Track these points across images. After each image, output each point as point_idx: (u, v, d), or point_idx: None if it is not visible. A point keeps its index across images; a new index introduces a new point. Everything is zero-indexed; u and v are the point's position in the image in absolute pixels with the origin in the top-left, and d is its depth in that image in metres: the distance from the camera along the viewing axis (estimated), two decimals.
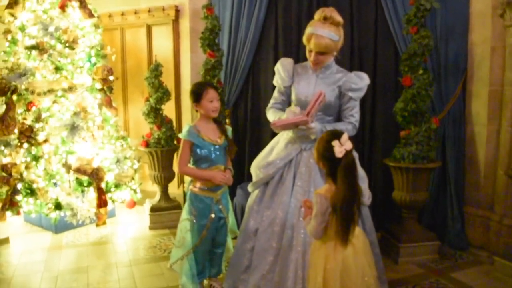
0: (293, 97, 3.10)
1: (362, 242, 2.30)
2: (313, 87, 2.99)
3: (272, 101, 3.23)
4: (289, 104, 3.16)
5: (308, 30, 2.91)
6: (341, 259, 2.18)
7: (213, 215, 2.90)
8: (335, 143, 2.16)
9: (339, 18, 2.89)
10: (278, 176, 3.00)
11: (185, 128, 2.88)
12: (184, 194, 3.02)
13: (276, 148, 3.10)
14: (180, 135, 2.89)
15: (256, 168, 3.10)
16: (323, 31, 2.84)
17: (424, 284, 3.37)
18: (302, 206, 2.48)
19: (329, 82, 2.99)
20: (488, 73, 3.89)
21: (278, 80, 3.18)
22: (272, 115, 3.14)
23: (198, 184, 2.91)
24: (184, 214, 2.96)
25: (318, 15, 2.92)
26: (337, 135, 2.20)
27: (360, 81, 2.96)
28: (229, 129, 3.02)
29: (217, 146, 2.89)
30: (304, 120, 2.80)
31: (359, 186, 2.24)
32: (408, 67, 3.70)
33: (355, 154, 3.00)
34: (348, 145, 2.16)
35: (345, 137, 2.18)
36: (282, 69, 3.15)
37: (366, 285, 2.22)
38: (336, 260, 2.18)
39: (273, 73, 3.26)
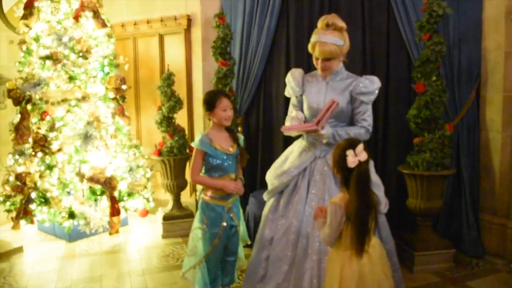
0: (305, 105, 3.11)
1: (379, 252, 2.28)
2: (323, 94, 2.99)
3: (289, 114, 3.23)
4: (301, 112, 3.17)
5: (313, 38, 2.97)
6: (357, 268, 2.16)
7: (224, 224, 2.89)
8: (349, 152, 2.15)
9: (341, 24, 2.93)
10: (293, 185, 3.00)
11: (197, 137, 2.87)
12: (197, 203, 3.01)
13: (291, 157, 3.10)
14: (192, 144, 2.89)
15: (271, 177, 3.12)
16: (326, 37, 2.87)
17: None
18: (315, 210, 2.46)
19: (339, 88, 2.99)
20: (502, 79, 3.85)
21: (290, 90, 3.22)
22: (288, 123, 3.16)
23: (209, 193, 2.90)
24: (196, 222, 2.95)
25: (320, 22, 2.97)
26: (353, 144, 2.19)
27: (371, 84, 2.96)
28: (241, 137, 3.02)
29: (229, 155, 2.88)
30: (314, 129, 2.81)
31: (374, 196, 2.22)
32: (421, 73, 3.67)
33: (371, 162, 2.99)
34: (363, 156, 2.14)
35: (360, 147, 2.16)
36: (292, 79, 3.19)
37: None
38: (352, 269, 2.16)
39: (284, 81, 3.28)
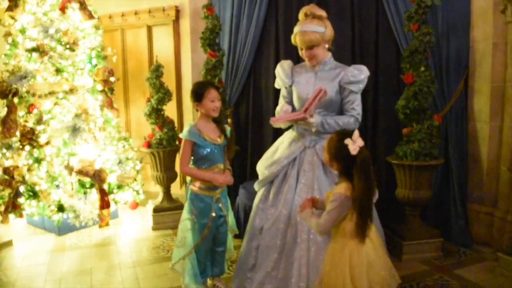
0: (294, 96, 3.12)
1: (376, 236, 2.33)
2: (312, 84, 3.00)
3: (279, 107, 3.23)
4: (291, 103, 3.17)
5: (294, 30, 3.02)
6: (364, 254, 2.19)
7: (213, 214, 2.91)
8: (348, 141, 2.16)
9: (319, 12, 2.98)
10: (283, 174, 3.02)
11: (186, 128, 2.88)
12: (186, 194, 3.01)
13: (281, 147, 3.13)
14: (181, 135, 2.89)
15: (262, 167, 3.14)
16: (306, 26, 2.93)
17: (428, 281, 3.36)
18: (304, 201, 2.47)
19: (328, 78, 3.00)
20: (490, 69, 3.87)
21: (279, 81, 3.24)
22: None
23: (197, 184, 2.91)
24: (185, 213, 2.96)
25: (300, 14, 3.05)
26: (348, 133, 2.20)
27: (359, 73, 2.97)
28: (227, 128, 3.03)
29: (217, 145, 2.90)
30: (302, 117, 2.83)
31: (375, 181, 2.23)
32: (410, 64, 3.68)
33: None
34: (360, 142, 2.16)
35: (356, 134, 2.18)
36: (281, 70, 3.22)
37: (392, 274, 2.27)
38: (360, 255, 2.19)
39: (274, 73, 3.28)
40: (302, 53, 3.03)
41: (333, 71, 3.03)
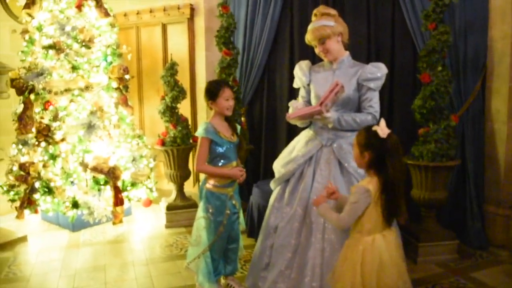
0: (312, 94, 3.13)
1: (395, 236, 2.31)
2: (330, 82, 2.99)
3: (294, 102, 3.26)
4: (309, 103, 3.18)
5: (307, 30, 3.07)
6: (378, 253, 2.19)
7: (228, 211, 2.91)
8: (376, 127, 2.19)
9: (328, 11, 3.05)
10: (299, 173, 3.01)
11: (202, 126, 2.87)
12: (200, 193, 3.01)
13: (298, 146, 3.13)
14: (197, 133, 2.89)
15: (278, 165, 3.15)
16: (315, 23, 3.01)
17: (444, 284, 3.31)
18: (319, 196, 2.46)
19: (346, 76, 3.00)
20: (509, 69, 3.81)
21: (297, 81, 3.28)
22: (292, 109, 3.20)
23: (212, 181, 2.91)
24: (200, 212, 2.95)
25: (312, 17, 3.11)
26: (373, 125, 2.25)
27: (377, 70, 2.96)
28: (238, 127, 3.03)
29: (232, 143, 2.91)
30: (318, 110, 2.82)
31: (405, 166, 2.26)
32: (427, 64, 3.63)
33: None
34: (387, 130, 2.18)
35: (383, 122, 2.21)
36: (299, 69, 3.26)
37: (404, 280, 2.25)
38: (373, 254, 2.19)
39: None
40: (317, 50, 3.06)
41: (351, 69, 3.03)
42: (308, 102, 3.19)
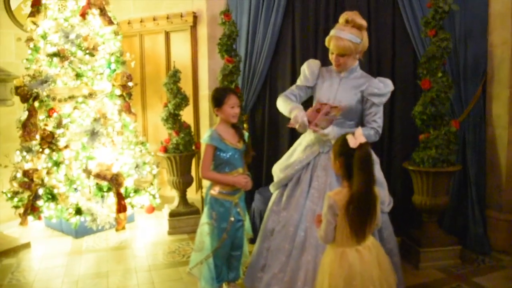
0: (315, 98, 3.11)
1: (375, 255, 2.26)
2: (335, 90, 3.00)
3: (288, 91, 3.24)
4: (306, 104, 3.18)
5: (331, 32, 3.00)
6: (347, 266, 2.16)
7: (232, 218, 2.92)
8: (349, 136, 2.18)
9: (361, 21, 2.94)
10: (296, 178, 3.03)
11: (207, 133, 2.89)
12: (203, 199, 3.03)
13: (297, 150, 3.13)
14: (202, 140, 2.90)
15: (277, 169, 3.18)
16: (343, 33, 2.89)
17: None
18: (316, 219, 2.43)
19: (351, 86, 3.00)
20: (509, 74, 3.83)
21: (302, 78, 3.22)
22: (282, 103, 3.15)
23: (217, 188, 2.92)
24: (204, 218, 2.97)
25: (341, 18, 3.00)
26: (351, 132, 2.23)
27: (384, 87, 2.96)
28: (245, 134, 3.04)
29: (237, 150, 2.92)
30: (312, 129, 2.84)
31: (374, 181, 2.21)
32: (427, 70, 3.66)
33: (376, 159, 3.00)
34: (362, 139, 2.16)
35: (359, 131, 2.19)
36: (308, 69, 3.20)
37: None
38: (341, 267, 2.17)
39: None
40: (332, 57, 3.01)
41: (358, 80, 3.03)
42: (299, 101, 3.18)
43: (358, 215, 2.14)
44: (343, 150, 2.20)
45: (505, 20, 3.82)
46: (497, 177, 4.00)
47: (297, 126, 2.96)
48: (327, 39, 3.01)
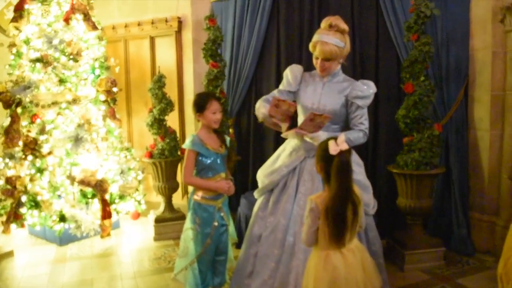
0: (299, 103, 3.11)
1: (360, 258, 2.27)
2: (319, 94, 3.01)
3: (268, 95, 3.20)
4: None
5: (314, 37, 2.98)
6: (331, 269, 2.17)
7: (216, 223, 2.91)
8: (330, 142, 2.19)
9: (344, 26, 2.96)
10: (282, 183, 3.02)
11: (189, 139, 2.89)
12: (189, 203, 3.02)
13: (282, 155, 3.13)
14: (184, 146, 2.90)
15: (262, 175, 3.15)
16: (328, 38, 2.90)
17: None
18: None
19: (335, 90, 3.01)
20: (490, 78, 3.90)
21: (284, 83, 3.19)
22: (260, 106, 3.11)
23: (200, 193, 2.91)
24: (188, 223, 2.96)
25: (323, 23, 3.00)
26: (334, 137, 2.24)
27: (367, 89, 2.98)
28: (227, 138, 3.04)
29: (219, 155, 2.91)
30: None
31: (354, 191, 2.23)
32: (410, 74, 3.70)
33: (360, 162, 3.02)
34: (344, 146, 2.18)
35: (342, 137, 2.21)
36: (290, 74, 3.18)
37: None
38: (326, 270, 2.18)
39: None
40: (317, 62, 3.01)
41: (341, 83, 3.04)
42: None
43: (334, 219, 2.15)
44: (323, 156, 2.22)
45: (485, 25, 3.89)
46: (479, 179, 4.05)
47: (261, 117, 3.00)
48: (311, 44, 3.01)
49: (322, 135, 2.84)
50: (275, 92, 3.22)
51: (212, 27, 4.41)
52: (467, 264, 3.81)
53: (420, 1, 3.62)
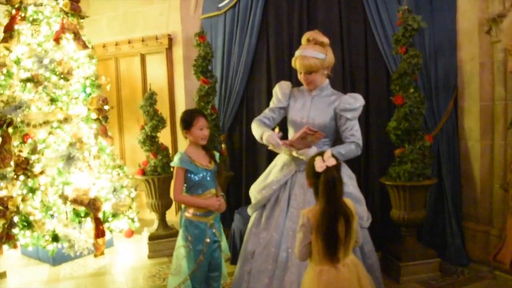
0: (289, 118, 3.14)
1: (355, 273, 2.26)
2: (308, 108, 3.04)
3: (261, 115, 3.26)
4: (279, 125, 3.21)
5: (296, 53, 3.05)
6: (324, 284, 2.17)
7: (208, 240, 2.90)
8: (317, 158, 2.21)
9: (322, 39, 3.02)
10: (274, 198, 3.03)
11: (176, 156, 2.89)
12: (180, 221, 3.01)
13: (274, 170, 3.14)
14: (172, 164, 2.90)
15: (254, 191, 3.16)
16: (307, 51, 2.97)
17: None
18: None
19: (324, 104, 3.04)
20: (478, 89, 3.94)
21: (274, 100, 3.25)
22: (256, 128, 3.17)
23: (191, 210, 2.91)
24: (180, 240, 2.94)
25: (303, 39, 3.08)
26: (321, 153, 2.25)
27: (355, 101, 3.01)
28: (216, 154, 3.05)
29: (209, 171, 2.91)
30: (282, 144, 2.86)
31: (345, 206, 2.23)
32: (399, 86, 3.74)
33: (352, 175, 3.03)
34: (331, 161, 2.18)
35: (328, 153, 2.22)
36: (279, 90, 3.23)
37: None
38: (319, 285, 2.17)
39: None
40: (301, 77, 3.06)
41: (330, 97, 3.07)
42: (272, 125, 3.22)
43: (324, 234, 2.15)
44: (311, 172, 2.24)
45: (472, 36, 3.95)
46: (472, 189, 4.07)
47: (270, 147, 3.01)
48: (293, 60, 3.08)
49: (310, 150, 2.86)
50: (266, 112, 3.25)
51: (202, 44, 4.44)
52: (462, 275, 3.81)
53: (407, 14, 3.67)
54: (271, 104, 3.25)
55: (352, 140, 2.99)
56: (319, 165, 2.17)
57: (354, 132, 3.00)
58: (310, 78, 3.01)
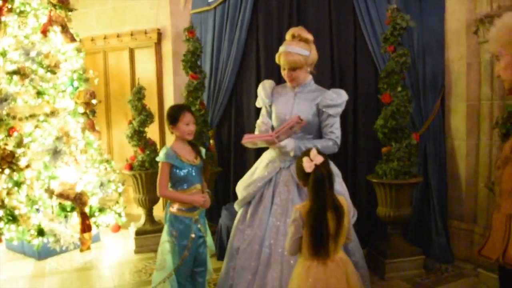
0: (273, 115, 3.16)
1: (344, 270, 2.28)
2: (291, 105, 3.05)
3: (259, 121, 3.28)
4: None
5: (280, 49, 3.06)
6: (312, 280, 2.19)
7: (193, 235, 2.90)
8: (304, 159, 2.24)
9: (306, 35, 3.04)
10: (259, 195, 3.04)
11: (162, 151, 2.89)
12: (165, 216, 3.00)
13: (259, 167, 3.14)
14: (158, 158, 2.90)
15: (241, 187, 3.17)
16: (291, 47, 2.98)
17: None
18: None
19: (307, 100, 3.05)
20: (465, 88, 3.98)
21: (260, 100, 3.29)
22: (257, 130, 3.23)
23: (176, 205, 2.91)
24: (164, 236, 2.94)
25: (287, 35, 3.09)
26: (307, 152, 2.28)
27: (338, 97, 3.01)
28: (203, 150, 3.05)
29: (194, 166, 2.91)
30: (270, 139, 2.86)
31: (337, 201, 2.25)
32: (387, 84, 3.76)
33: (337, 172, 3.04)
34: (318, 159, 2.22)
35: (314, 152, 2.24)
36: (262, 90, 3.26)
37: None
38: (307, 280, 2.19)
39: (256, 93, 3.33)
40: (284, 73, 3.07)
41: (312, 93, 3.08)
42: (269, 122, 3.22)
43: (313, 231, 2.18)
44: (301, 173, 2.29)
45: (460, 37, 3.98)
46: (457, 188, 4.12)
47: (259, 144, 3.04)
48: (276, 56, 3.08)
49: (289, 143, 2.87)
50: (262, 117, 3.26)
51: (192, 39, 4.42)
52: (446, 272, 3.85)
53: (396, 13, 3.69)
54: (258, 105, 3.33)
55: (330, 137, 3.00)
56: (308, 165, 2.21)
57: (334, 129, 3.01)
58: (294, 75, 3.02)
